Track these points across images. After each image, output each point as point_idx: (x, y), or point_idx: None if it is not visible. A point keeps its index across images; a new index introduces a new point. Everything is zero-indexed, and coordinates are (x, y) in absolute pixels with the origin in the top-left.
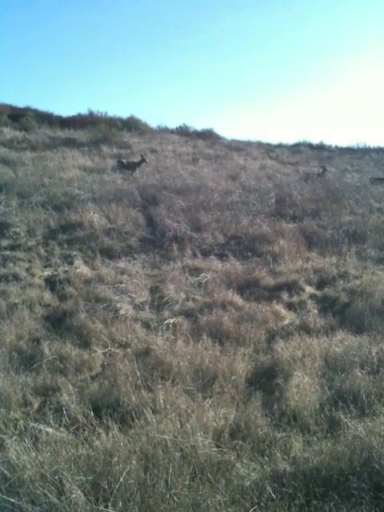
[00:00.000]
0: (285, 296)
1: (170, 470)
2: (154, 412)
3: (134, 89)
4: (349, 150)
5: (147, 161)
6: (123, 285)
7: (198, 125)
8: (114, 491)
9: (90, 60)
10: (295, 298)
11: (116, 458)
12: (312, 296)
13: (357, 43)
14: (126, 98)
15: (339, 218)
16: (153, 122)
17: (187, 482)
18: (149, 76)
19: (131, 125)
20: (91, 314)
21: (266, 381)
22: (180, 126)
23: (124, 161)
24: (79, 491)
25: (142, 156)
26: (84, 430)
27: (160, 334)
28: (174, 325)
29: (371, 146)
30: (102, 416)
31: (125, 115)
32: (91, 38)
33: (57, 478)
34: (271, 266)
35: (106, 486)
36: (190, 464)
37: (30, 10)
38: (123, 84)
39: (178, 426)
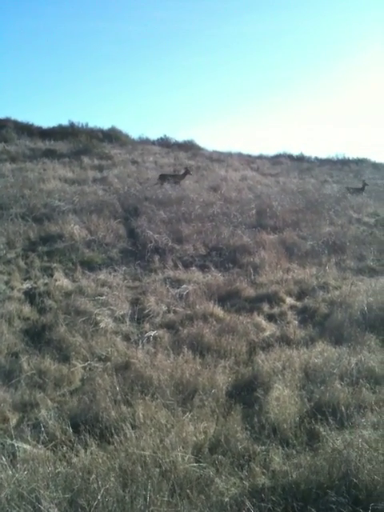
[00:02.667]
0: (265, 307)
1: (149, 487)
2: (133, 427)
3: (114, 100)
4: (328, 161)
5: (191, 173)
6: (104, 297)
7: (179, 136)
8: (92, 509)
9: (70, 71)
10: (276, 309)
11: (94, 475)
12: (292, 307)
13: (338, 55)
14: (106, 109)
15: (319, 229)
16: (134, 133)
17: (166, 499)
18: (129, 87)
19: (112, 136)
20: (71, 327)
21: (247, 393)
22: (161, 138)
23: (166, 173)
24: (56, 510)
25: (186, 168)
26: (62, 447)
27: (140, 347)
28: (155, 337)
29: (350, 158)
30: (81, 432)
31: (106, 126)
32: (71, 48)
33: (34, 496)
34: (252, 277)
35: (85, 504)
36: (169, 480)
37: (7, 19)
38: (104, 95)
39: (158, 441)
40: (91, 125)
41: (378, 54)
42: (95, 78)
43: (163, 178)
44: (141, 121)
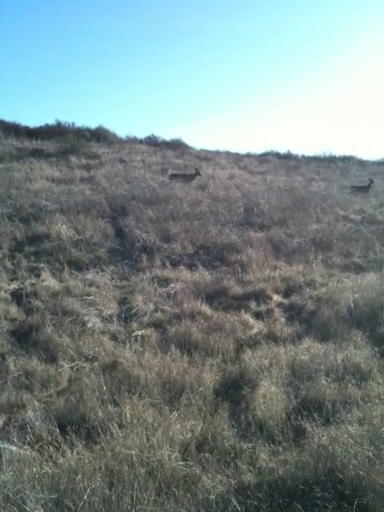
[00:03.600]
0: (253, 305)
1: (136, 486)
2: (120, 427)
3: (102, 99)
4: (315, 159)
5: (201, 174)
6: (91, 297)
7: (167, 135)
8: (78, 509)
9: (56, 70)
10: (263, 307)
11: (80, 475)
12: (279, 304)
13: (326, 54)
14: (94, 108)
15: (306, 227)
16: (121, 132)
17: (153, 497)
18: (117, 86)
19: (100, 135)
20: (58, 327)
21: (234, 391)
22: (149, 136)
23: (176, 173)
24: (42, 510)
25: (196, 169)
26: (49, 448)
27: (128, 346)
28: (143, 337)
29: (337, 155)
30: (68, 432)
31: (93, 125)
32: (57, 47)
33: (19, 497)
34: (240, 275)
35: (71, 505)
36: (155, 479)
37: None
38: (91, 94)
39: (145, 440)
40: (78, 124)
41: (365, 53)
42: (82, 77)
43: (174, 177)
44: (128, 120)
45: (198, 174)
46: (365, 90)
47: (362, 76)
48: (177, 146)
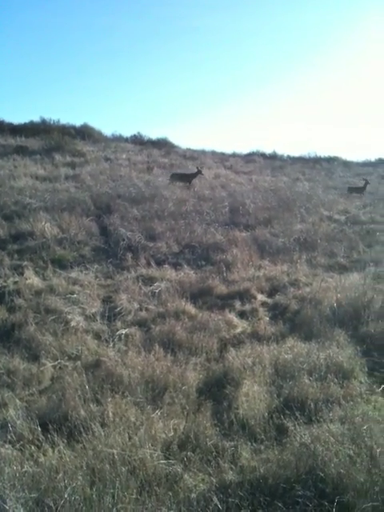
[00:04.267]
0: (237, 304)
1: (117, 484)
2: (102, 425)
3: (87, 97)
4: (300, 159)
5: (203, 173)
6: (75, 295)
7: (153, 133)
8: (59, 508)
9: (42, 67)
10: (247, 306)
11: (61, 474)
12: (263, 304)
13: (310, 55)
14: (79, 105)
15: (291, 227)
16: (107, 130)
17: (134, 496)
18: (103, 84)
19: (85, 133)
20: (41, 326)
21: (217, 390)
22: (134, 135)
23: (179, 172)
24: (22, 509)
25: (197, 168)
26: (30, 447)
27: (111, 345)
28: (126, 336)
29: (322, 156)
30: (50, 431)
31: (78, 123)
32: (42, 43)
33: None
34: (224, 275)
35: (51, 503)
36: (137, 477)
37: None
38: (77, 92)
39: (127, 439)
40: (63, 121)
41: (350, 54)
42: (68, 74)
43: (175, 177)
44: (114, 118)
45: (199, 173)
46: (351, 92)
47: (348, 78)
48: (163, 144)
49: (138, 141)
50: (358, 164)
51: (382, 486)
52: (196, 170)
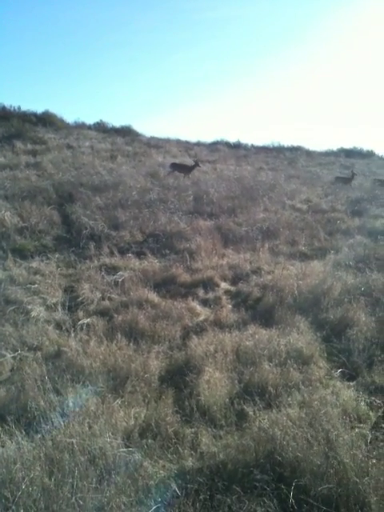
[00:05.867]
0: (200, 292)
1: (76, 474)
2: (62, 416)
3: (49, 83)
4: (264, 149)
5: (200, 166)
6: (36, 285)
7: (117, 121)
8: (16, 499)
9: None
10: (210, 295)
11: (19, 465)
12: (227, 292)
13: (274, 46)
14: (40, 92)
15: (254, 216)
16: (69, 118)
17: (93, 485)
18: (65, 70)
19: (46, 120)
20: (0, 316)
21: (179, 377)
22: (97, 122)
23: (176, 162)
24: None
25: (195, 161)
26: None
27: (73, 335)
28: (89, 325)
29: (285, 145)
30: (8, 422)
31: (39, 110)
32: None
33: None
34: (188, 263)
35: (8, 494)
36: (97, 466)
37: None
38: (37, 78)
39: (87, 428)
40: (24, 108)
41: (316, 43)
42: (28, 60)
43: (174, 167)
44: (76, 105)
45: (197, 165)
46: (315, 83)
47: (312, 69)
48: (127, 132)
49: (101, 128)
50: (320, 153)
51: (338, 468)
52: (194, 163)
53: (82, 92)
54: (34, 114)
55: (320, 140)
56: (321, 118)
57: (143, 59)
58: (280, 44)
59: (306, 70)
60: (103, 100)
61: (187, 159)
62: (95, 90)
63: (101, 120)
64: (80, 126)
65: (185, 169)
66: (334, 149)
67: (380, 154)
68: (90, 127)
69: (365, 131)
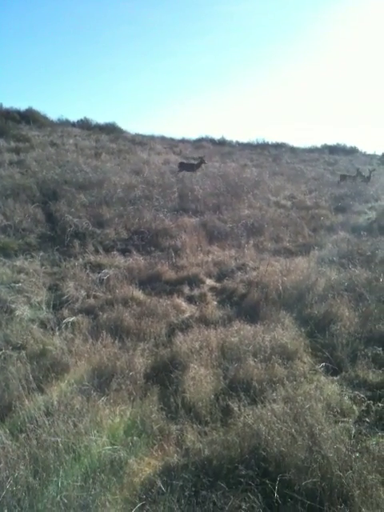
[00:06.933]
0: (186, 289)
1: (61, 473)
2: (46, 415)
3: (32, 80)
4: (249, 146)
5: (206, 162)
6: (20, 284)
7: (101, 118)
8: (1, 499)
9: None
10: (196, 291)
11: (2, 464)
12: (212, 288)
13: (261, 43)
14: (23, 89)
15: (239, 212)
16: (53, 115)
17: (79, 483)
18: (49, 67)
19: (30, 117)
20: None
21: (165, 374)
22: (82, 120)
23: (183, 161)
24: None
25: (201, 158)
26: None
27: (58, 333)
28: (73, 324)
29: (270, 142)
30: None
31: (22, 107)
32: None
33: None
34: (173, 260)
35: None
36: (82, 464)
37: None
38: (21, 75)
39: (72, 426)
40: (6, 105)
41: (303, 41)
42: (12, 57)
43: (182, 166)
44: (60, 102)
45: (202, 162)
46: (299, 82)
47: (299, 68)
48: (111, 129)
49: (85, 126)
50: (304, 150)
51: (322, 462)
52: (199, 160)
53: (65, 89)
54: (18, 112)
55: (304, 136)
56: (305, 115)
57: (130, 58)
58: (266, 42)
59: (291, 68)
60: (87, 97)
61: (181, 158)
62: (79, 87)
63: (85, 117)
64: (64, 124)
65: (192, 167)
66: (318, 145)
67: (363, 151)
68: (74, 124)
69: (348, 128)
